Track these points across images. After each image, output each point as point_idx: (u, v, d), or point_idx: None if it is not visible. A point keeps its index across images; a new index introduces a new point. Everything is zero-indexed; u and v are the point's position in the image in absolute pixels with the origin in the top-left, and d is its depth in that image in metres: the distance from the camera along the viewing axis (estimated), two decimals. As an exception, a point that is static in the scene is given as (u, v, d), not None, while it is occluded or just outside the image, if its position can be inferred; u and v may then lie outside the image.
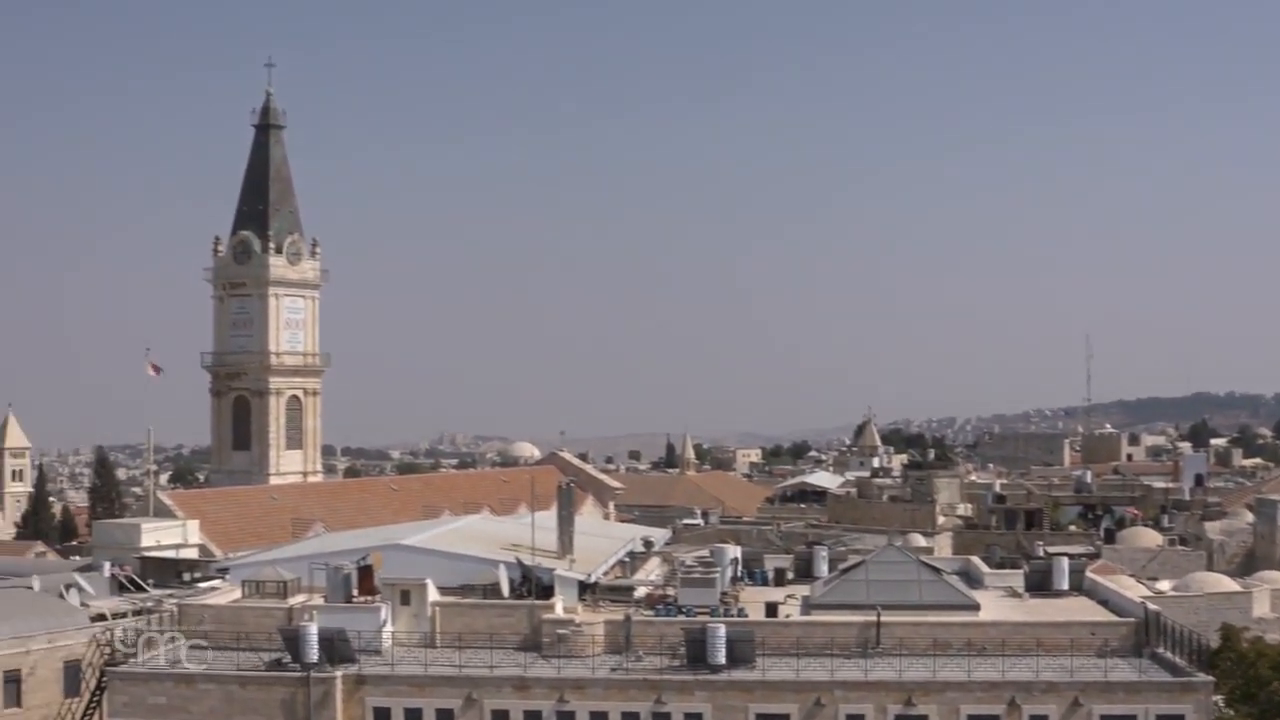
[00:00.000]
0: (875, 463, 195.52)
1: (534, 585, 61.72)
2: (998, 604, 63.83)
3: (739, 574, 70.50)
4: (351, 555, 63.24)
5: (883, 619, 57.63)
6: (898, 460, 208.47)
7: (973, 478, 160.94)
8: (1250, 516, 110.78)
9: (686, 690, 54.06)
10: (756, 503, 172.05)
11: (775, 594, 65.81)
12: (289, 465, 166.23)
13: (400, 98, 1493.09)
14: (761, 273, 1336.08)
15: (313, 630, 55.27)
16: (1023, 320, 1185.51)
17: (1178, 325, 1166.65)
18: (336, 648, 55.32)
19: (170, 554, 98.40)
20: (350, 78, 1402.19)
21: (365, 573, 61.02)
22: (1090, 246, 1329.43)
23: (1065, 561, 69.57)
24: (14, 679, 68.34)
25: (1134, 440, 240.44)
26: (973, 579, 70.28)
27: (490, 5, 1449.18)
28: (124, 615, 72.10)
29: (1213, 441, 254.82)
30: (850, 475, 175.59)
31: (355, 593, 60.41)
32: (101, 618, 72.10)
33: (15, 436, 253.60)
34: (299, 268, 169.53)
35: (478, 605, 60.29)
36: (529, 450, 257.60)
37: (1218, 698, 58.50)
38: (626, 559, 73.70)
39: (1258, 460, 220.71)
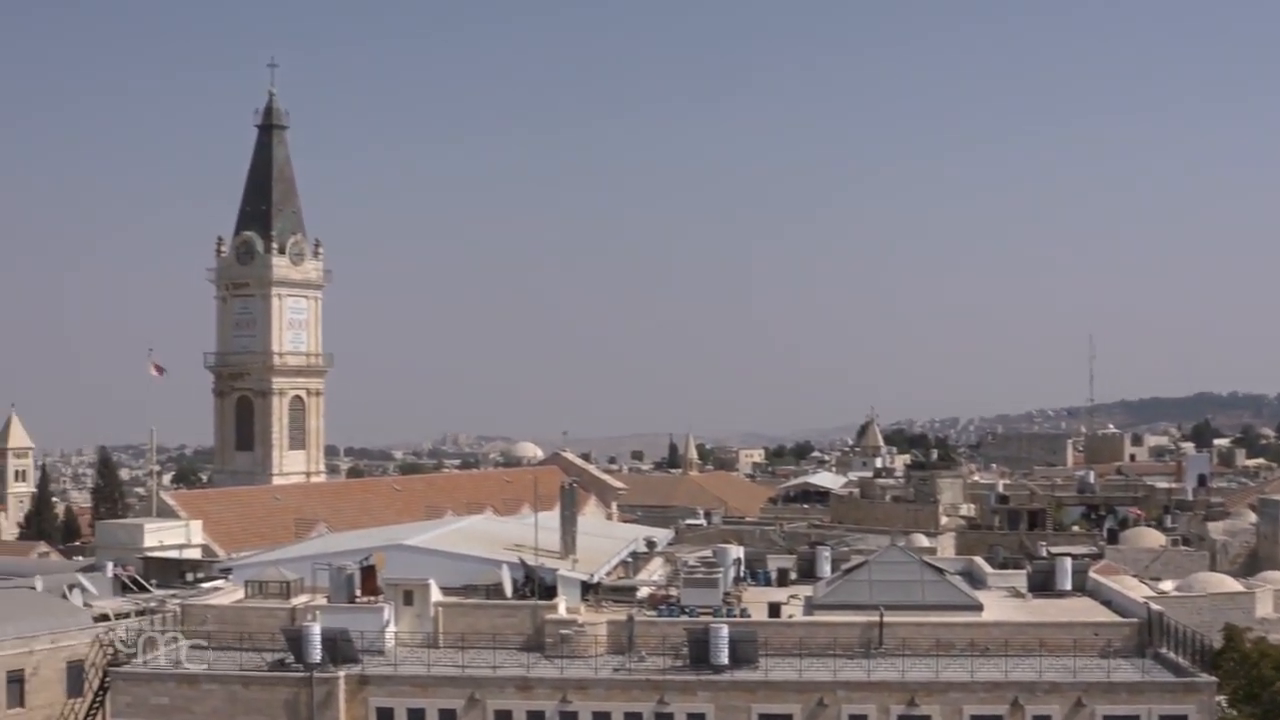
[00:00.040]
0: (878, 463, 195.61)
1: (537, 585, 61.71)
2: (1001, 604, 63.81)
3: (742, 574, 70.47)
4: (354, 555, 63.23)
5: (885, 619, 57.62)
6: (900, 460, 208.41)
7: (976, 478, 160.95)
8: (1253, 517, 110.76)
9: (689, 691, 54.05)
10: (759, 503, 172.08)
11: (778, 594, 65.80)
12: (292, 465, 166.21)
13: (402, 98, 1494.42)
14: (764, 273, 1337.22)
15: (316, 630, 55.28)
16: (1025, 320, 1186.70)
17: (1180, 325, 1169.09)
18: (339, 648, 55.32)
19: (173, 554, 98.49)
20: (353, 78, 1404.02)
21: (368, 573, 61.03)
22: (1093, 246, 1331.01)
23: (1068, 562, 69.53)
24: (17, 679, 68.35)
25: (1137, 440, 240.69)
26: (976, 579, 70.24)
27: (492, 5, 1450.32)
28: (127, 615, 72.06)
29: (1216, 442, 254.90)
30: (853, 475, 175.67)
31: (358, 593, 60.42)
32: (105, 618, 72.06)
33: (18, 437, 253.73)
34: (302, 268, 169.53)
35: (481, 605, 60.30)
36: (532, 450, 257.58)
37: (1221, 698, 58.51)
38: (629, 559, 73.70)
39: (1261, 460, 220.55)
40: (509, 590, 61.76)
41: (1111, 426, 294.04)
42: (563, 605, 59.84)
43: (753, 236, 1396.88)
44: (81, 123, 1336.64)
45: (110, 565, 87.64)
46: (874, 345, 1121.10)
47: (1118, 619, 60.16)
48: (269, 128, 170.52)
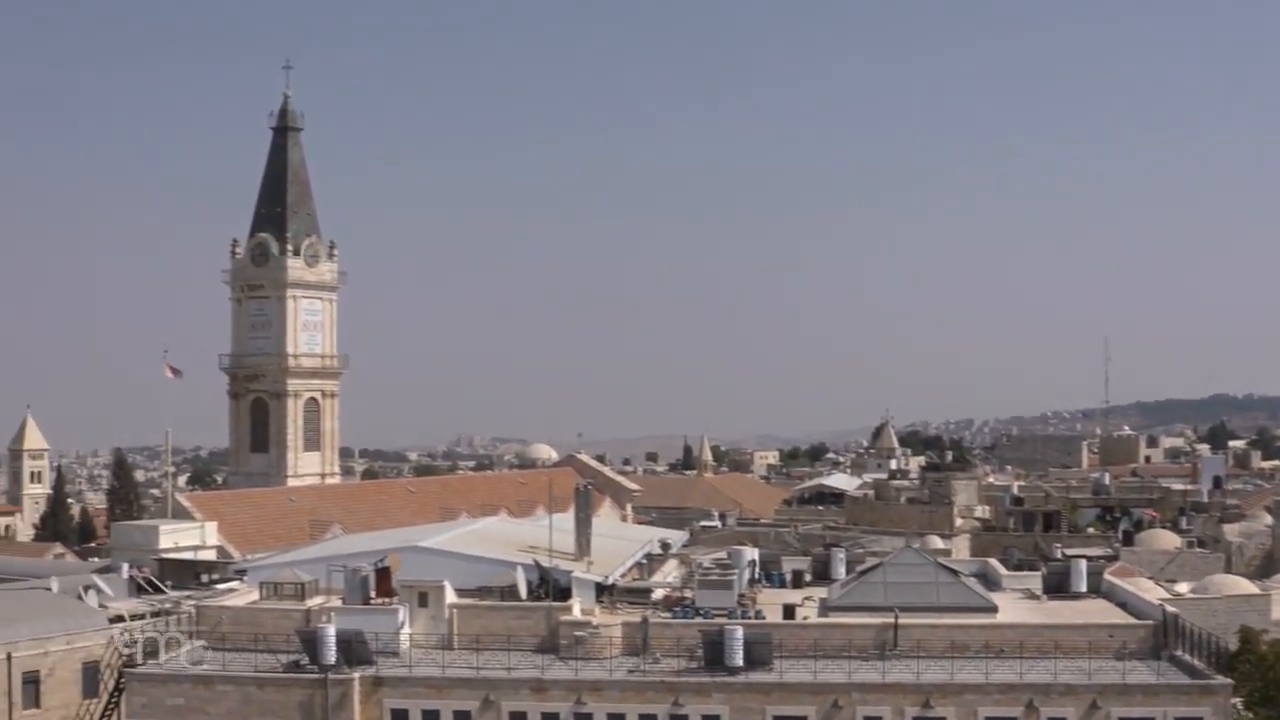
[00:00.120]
0: (893, 464, 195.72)
1: (551, 587, 61.72)
2: (1015, 606, 63.71)
3: (756, 576, 70.50)
4: (369, 557, 63.27)
5: (900, 621, 57.57)
6: (915, 462, 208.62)
7: (990, 480, 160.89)
8: (1269, 519, 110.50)
9: (704, 692, 54.05)
10: (774, 505, 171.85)
11: (793, 596, 65.72)
12: (307, 467, 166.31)
13: (418, 100, 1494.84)
14: (780, 275, 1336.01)
15: (330, 632, 55.35)
16: (1041, 322, 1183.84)
17: (1196, 327, 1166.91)
18: (354, 649, 55.37)
19: (188, 555, 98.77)
20: (368, 80, 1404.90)
21: (383, 574, 61.07)
22: (1108, 248, 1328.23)
23: (1083, 564, 69.46)
24: (33, 680, 68.51)
25: (1152, 442, 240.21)
26: (990, 581, 70.16)
27: (510, 9, 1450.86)
28: (142, 617, 72.24)
29: (1231, 443, 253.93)
30: (868, 477, 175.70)
31: (373, 594, 60.46)
32: (120, 619, 72.23)
33: (34, 438, 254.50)
34: (317, 269, 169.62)
35: (495, 607, 60.35)
36: (546, 452, 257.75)
37: (1236, 700, 58.42)
38: (644, 561, 73.64)
39: (1276, 462, 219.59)
40: (524, 592, 61.79)
41: (1127, 428, 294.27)
42: (577, 607, 59.84)
43: (769, 238, 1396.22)
44: (96, 125, 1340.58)
45: (125, 566, 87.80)
46: (889, 347, 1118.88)
47: (1133, 621, 60.06)
48: (284, 130, 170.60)
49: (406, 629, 58.46)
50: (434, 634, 58.69)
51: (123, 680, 57.80)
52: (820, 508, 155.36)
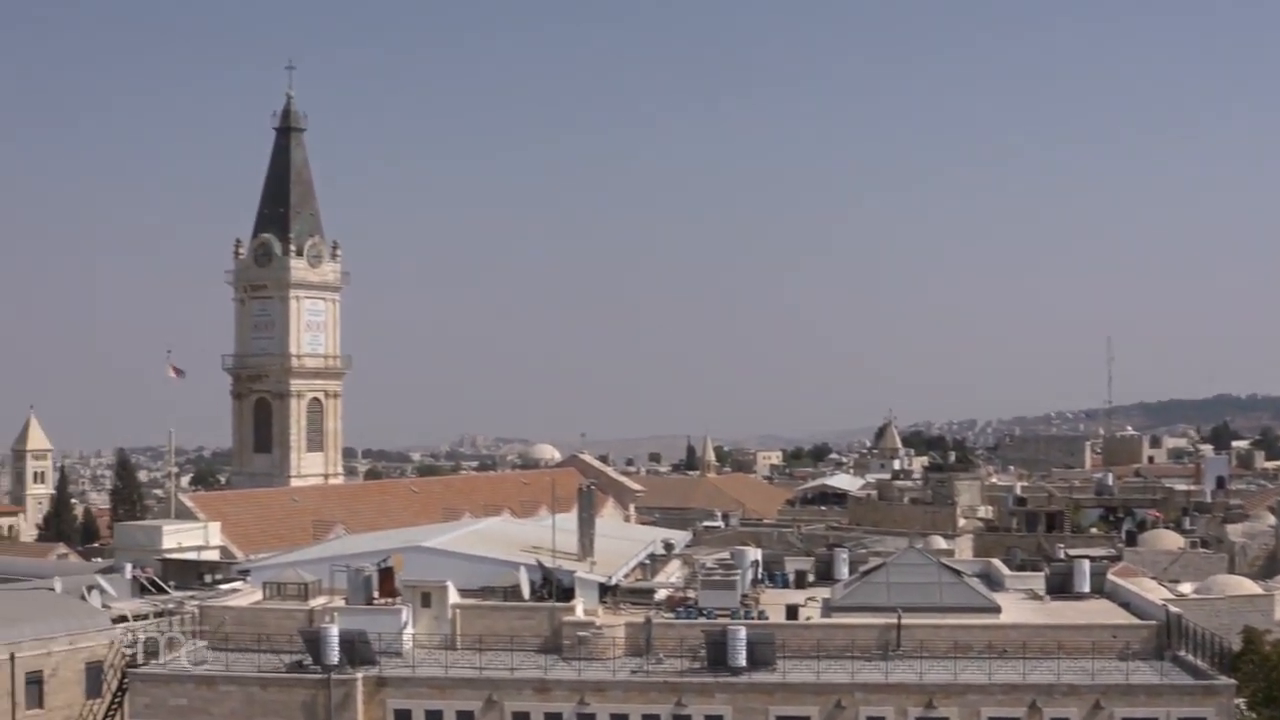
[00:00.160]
0: (896, 465, 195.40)
1: (554, 587, 61.70)
2: (1019, 606, 63.70)
3: (759, 576, 70.57)
4: (372, 557, 63.27)
5: (903, 621, 57.56)
6: (918, 462, 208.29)
7: (993, 480, 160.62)
8: (1272, 519, 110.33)
9: (707, 693, 54.04)
10: (777, 505, 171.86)
11: (796, 596, 65.74)
12: (310, 467, 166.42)
13: (421, 100, 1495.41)
14: (782, 275, 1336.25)
15: (333, 632, 55.35)
16: (1044, 322, 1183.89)
17: (1199, 327, 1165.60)
18: (357, 650, 55.37)
19: (191, 556, 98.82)
20: (371, 80, 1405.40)
21: (386, 575, 61.07)
22: (1111, 248, 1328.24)
23: (1086, 564, 69.44)
24: (36, 680, 68.52)
25: (1155, 442, 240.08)
26: (993, 581, 70.15)
27: (513, 9, 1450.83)
28: (145, 617, 72.25)
29: (1234, 444, 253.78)
30: (871, 477, 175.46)
31: (376, 595, 60.45)
32: (123, 619, 72.29)
33: (37, 439, 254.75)
34: (320, 270, 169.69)
35: (498, 607, 60.36)
36: (549, 452, 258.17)
37: (1240, 701, 58.37)
38: (647, 561, 73.65)
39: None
40: (526, 592, 61.80)
41: (1130, 428, 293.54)
42: (580, 607, 59.87)
43: (772, 238, 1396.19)
44: (99, 125, 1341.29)
45: (129, 567, 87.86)
46: (892, 347, 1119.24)
47: (1136, 621, 60.06)
48: (287, 130, 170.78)
49: (409, 629, 58.45)
50: (437, 634, 58.70)
51: (126, 680, 57.81)
52: (823, 508, 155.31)
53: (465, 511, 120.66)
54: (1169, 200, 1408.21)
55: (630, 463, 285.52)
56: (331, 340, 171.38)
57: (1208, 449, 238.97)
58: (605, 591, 62.91)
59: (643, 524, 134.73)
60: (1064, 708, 52.81)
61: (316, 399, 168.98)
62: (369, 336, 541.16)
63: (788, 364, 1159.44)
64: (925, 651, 56.24)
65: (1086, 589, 66.87)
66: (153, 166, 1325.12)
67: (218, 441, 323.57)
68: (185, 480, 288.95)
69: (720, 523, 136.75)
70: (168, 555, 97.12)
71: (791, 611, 60.89)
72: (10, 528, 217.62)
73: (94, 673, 68.25)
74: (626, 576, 67.00)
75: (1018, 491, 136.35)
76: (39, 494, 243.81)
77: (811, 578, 71.98)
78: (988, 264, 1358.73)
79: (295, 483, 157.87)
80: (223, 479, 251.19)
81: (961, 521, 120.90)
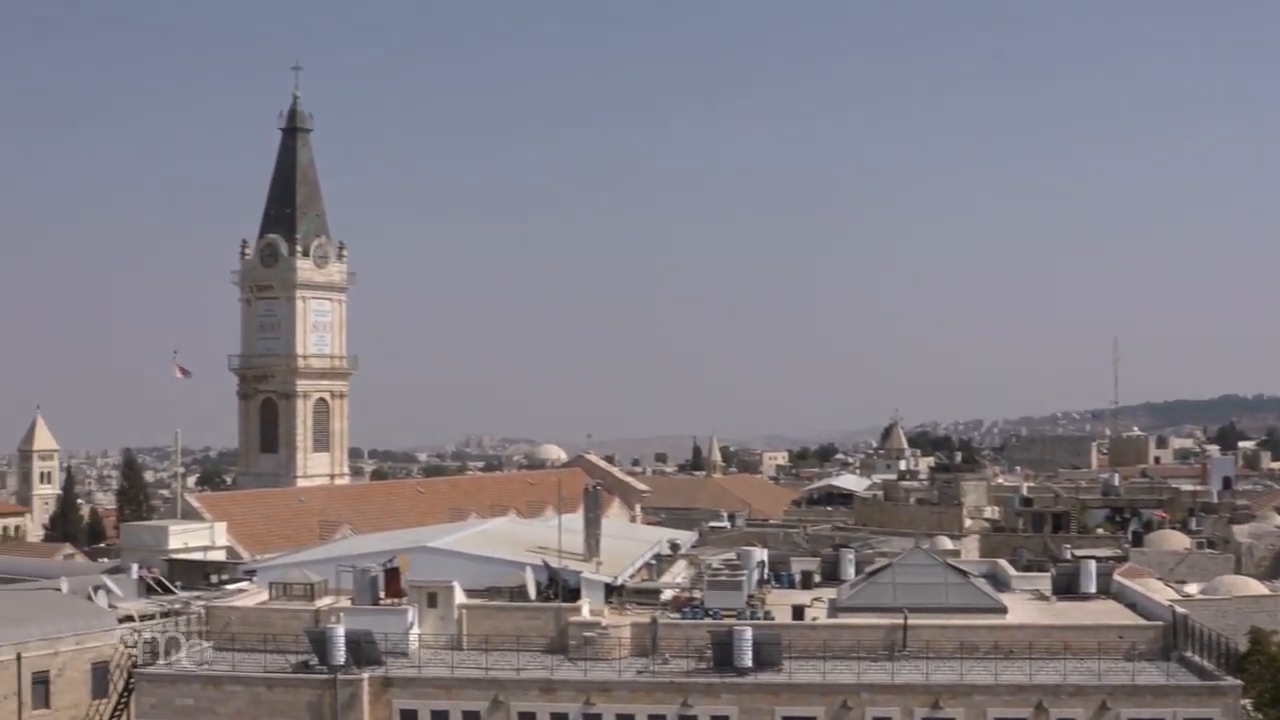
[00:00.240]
0: (902, 465, 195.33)
1: (560, 588, 61.66)
2: (1025, 607, 63.59)
3: (765, 576, 70.50)
4: (378, 558, 63.29)
5: (909, 622, 57.50)
6: (925, 463, 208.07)
7: (1000, 480, 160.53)
8: (1279, 519, 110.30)
9: (713, 693, 53.99)
10: (783, 505, 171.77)
11: (802, 597, 65.61)
12: (316, 468, 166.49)
13: (427, 101, 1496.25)
14: (788, 276, 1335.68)
15: (340, 632, 55.35)
16: (1050, 322, 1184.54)
17: (1206, 327, 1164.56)
18: (363, 650, 55.38)
19: (198, 556, 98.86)
20: (377, 81, 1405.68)
21: (392, 575, 61.09)
22: (1118, 248, 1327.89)
23: (1093, 564, 69.30)
24: (42, 680, 68.67)
25: (1162, 443, 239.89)
26: (1000, 582, 70.05)
27: (519, 10, 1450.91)
28: (152, 617, 72.36)
29: (1241, 444, 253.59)
30: (877, 478, 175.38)
31: (382, 595, 60.47)
32: (129, 619, 72.37)
33: (43, 439, 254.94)
34: (326, 270, 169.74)
35: (504, 608, 60.32)
36: (555, 453, 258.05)
37: (1246, 701, 58.30)
38: (653, 561, 73.58)
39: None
40: (533, 592, 61.74)
41: (1136, 429, 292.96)
42: (586, 607, 59.86)
43: (778, 239, 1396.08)
44: (104, 125, 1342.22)
45: (135, 567, 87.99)
46: (898, 347, 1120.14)
47: (1142, 622, 59.98)
48: (293, 131, 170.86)
49: (415, 629, 58.44)
50: (443, 634, 58.69)
51: (132, 681, 57.87)
52: (829, 508, 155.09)
53: (471, 512, 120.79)
54: (1176, 200, 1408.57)
55: (636, 463, 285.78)
56: (337, 341, 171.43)
57: (1214, 449, 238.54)
58: (611, 592, 62.85)
59: (648, 524, 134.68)
60: (1070, 708, 52.75)
61: (323, 399, 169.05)
62: (375, 337, 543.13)
63: (793, 364, 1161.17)
64: (931, 652, 56.16)
65: (1093, 589, 66.75)
66: (158, 167, 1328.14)
67: (224, 442, 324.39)
68: (191, 480, 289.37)
69: (726, 523, 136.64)
70: (174, 555, 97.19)
71: (797, 612, 60.81)
72: (17, 528, 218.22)
73: (100, 673, 68.38)
74: (632, 577, 66.90)
75: (1024, 492, 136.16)
76: (45, 494, 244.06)
77: (817, 578, 71.85)
78: (994, 264, 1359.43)
79: (301, 483, 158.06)
80: (229, 479, 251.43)
81: (968, 522, 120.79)
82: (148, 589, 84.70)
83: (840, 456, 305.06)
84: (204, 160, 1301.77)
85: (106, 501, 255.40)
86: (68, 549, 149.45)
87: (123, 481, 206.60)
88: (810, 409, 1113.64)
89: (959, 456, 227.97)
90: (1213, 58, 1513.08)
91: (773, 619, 59.96)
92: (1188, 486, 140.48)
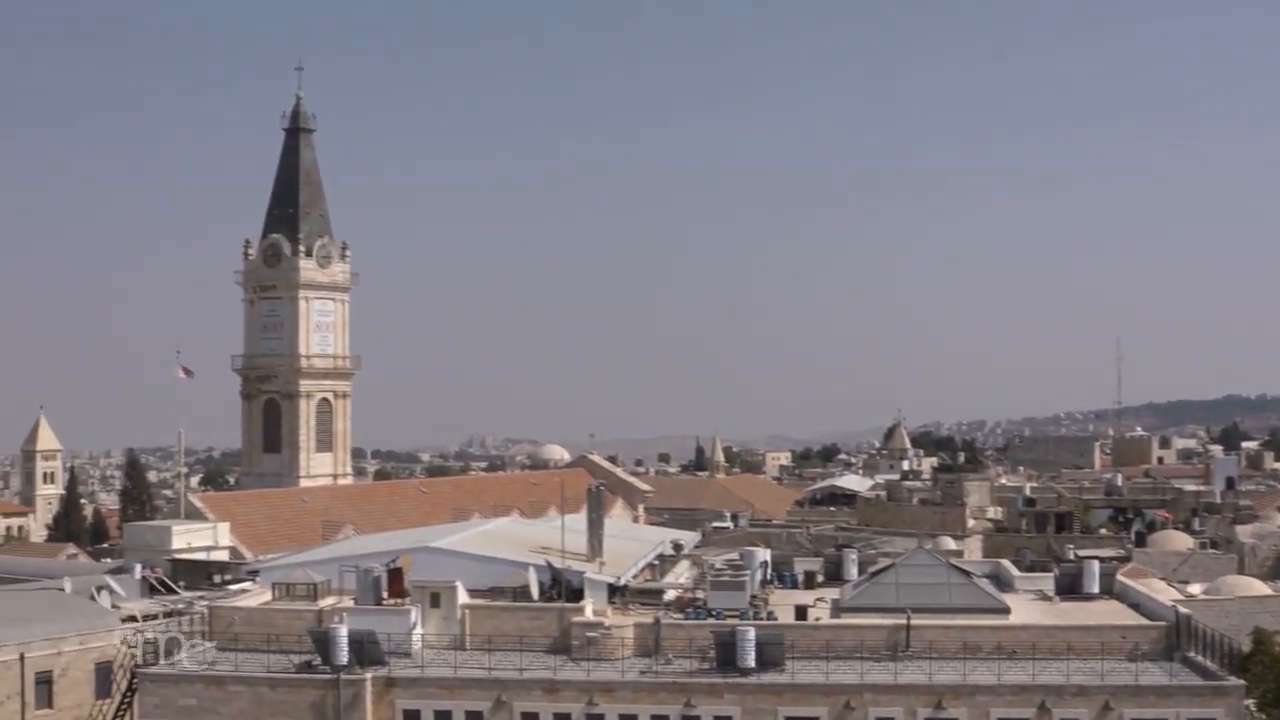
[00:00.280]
0: (905, 465, 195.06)
1: (564, 588, 61.70)
2: (1028, 607, 63.62)
3: (768, 577, 70.51)
4: (381, 558, 63.31)
5: (912, 622, 57.51)
6: (928, 463, 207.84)
7: (1003, 481, 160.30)
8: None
9: (716, 693, 54.03)
10: (786, 506, 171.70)
11: (805, 597, 65.63)
12: (319, 468, 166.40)
13: (430, 101, 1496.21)
14: (791, 275, 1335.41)
15: (343, 632, 55.39)
16: (1053, 323, 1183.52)
17: (1209, 328, 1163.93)
18: (366, 650, 55.42)
19: (201, 556, 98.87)
20: (380, 81, 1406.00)
21: (395, 575, 61.10)
22: (1121, 248, 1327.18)
23: (1096, 565, 69.31)
24: (45, 680, 68.70)
25: (1165, 443, 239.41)
26: (1003, 582, 70.06)
27: (525, 9, 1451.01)
28: (155, 617, 72.41)
29: (1244, 444, 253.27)
30: (880, 478, 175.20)
31: (385, 595, 60.49)
32: (132, 619, 72.41)
33: (46, 439, 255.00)
34: (329, 270, 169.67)
35: (507, 608, 60.36)
36: (558, 453, 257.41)
37: (1249, 702, 58.20)
38: (656, 562, 73.63)
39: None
40: (535, 593, 61.80)
41: (1139, 429, 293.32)
42: (589, 608, 59.88)
43: (783, 239, 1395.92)
44: (108, 125, 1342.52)
45: (138, 567, 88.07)
46: (901, 347, 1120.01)
47: (1145, 622, 59.97)
48: (296, 131, 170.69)
49: (419, 629, 58.49)
50: (446, 634, 58.71)
51: (135, 681, 57.88)
52: (832, 508, 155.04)
53: (474, 512, 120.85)
54: (1179, 200, 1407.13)
55: (639, 463, 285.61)
56: (340, 341, 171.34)
57: (1217, 450, 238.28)
58: (614, 592, 62.88)
59: (652, 525, 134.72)
60: (1073, 709, 52.78)
61: (325, 399, 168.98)
62: (378, 337, 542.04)
63: (796, 364, 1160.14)
64: (934, 652, 56.16)
65: (1096, 590, 66.76)
66: (162, 167, 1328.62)
67: (227, 442, 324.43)
68: (195, 481, 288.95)
69: (729, 523, 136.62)
70: (177, 555, 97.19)
71: (800, 612, 60.84)
72: (20, 528, 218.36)
73: (103, 673, 68.38)
74: (635, 577, 66.94)
75: (1027, 492, 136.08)
76: (48, 494, 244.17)
77: (820, 578, 71.92)
78: (997, 265, 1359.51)
79: (304, 483, 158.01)
80: (232, 479, 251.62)
81: (971, 522, 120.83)
82: (151, 589, 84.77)
83: (843, 457, 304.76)
84: (207, 160, 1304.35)
85: (110, 502, 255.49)
86: (71, 549, 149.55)
87: (126, 481, 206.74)
88: (813, 409, 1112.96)
89: (962, 457, 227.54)
90: (1217, 58, 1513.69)
91: (776, 619, 59.96)
92: (1191, 487, 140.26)
